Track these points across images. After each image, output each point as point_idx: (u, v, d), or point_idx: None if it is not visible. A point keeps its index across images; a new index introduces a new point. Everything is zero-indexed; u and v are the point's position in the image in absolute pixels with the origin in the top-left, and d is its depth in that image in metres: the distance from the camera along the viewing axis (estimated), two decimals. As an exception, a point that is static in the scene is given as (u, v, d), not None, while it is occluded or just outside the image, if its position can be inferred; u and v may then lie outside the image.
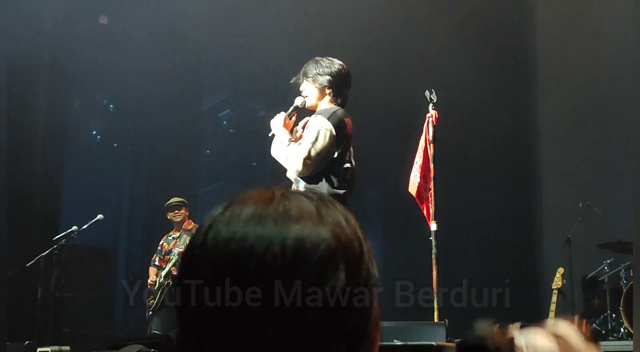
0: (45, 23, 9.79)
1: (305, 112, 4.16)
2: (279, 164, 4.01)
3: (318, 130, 3.80)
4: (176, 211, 7.85)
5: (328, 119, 3.86)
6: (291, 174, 3.90)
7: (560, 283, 7.54)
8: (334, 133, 3.85)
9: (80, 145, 12.25)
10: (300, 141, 3.86)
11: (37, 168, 9.47)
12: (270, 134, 4.06)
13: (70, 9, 9.90)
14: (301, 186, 3.85)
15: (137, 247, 10.91)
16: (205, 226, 0.87)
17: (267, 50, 9.97)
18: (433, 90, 4.53)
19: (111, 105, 12.82)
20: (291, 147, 3.81)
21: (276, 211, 0.84)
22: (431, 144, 4.55)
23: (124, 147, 12.81)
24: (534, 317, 8.39)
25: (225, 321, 0.78)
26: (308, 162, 3.74)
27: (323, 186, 3.82)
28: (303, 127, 4.04)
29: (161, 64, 10.63)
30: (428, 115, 4.55)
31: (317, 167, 3.79)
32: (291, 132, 4.00)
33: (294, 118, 4.11)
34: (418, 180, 4.57)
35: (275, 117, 4.05)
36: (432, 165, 4.57)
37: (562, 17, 8.56)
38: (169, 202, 7.91)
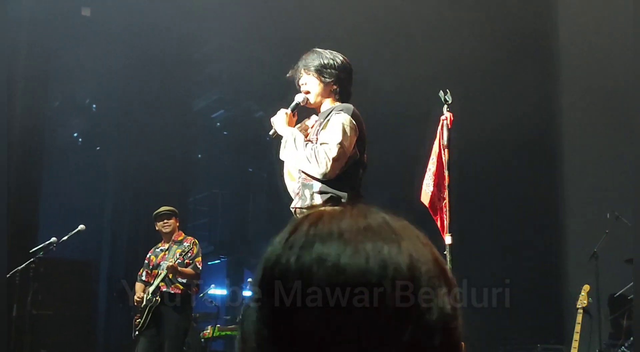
0: (22, 13, 9.76)
1: (303, 110, 4.11)
2: (277, 170, 3.99)
3: (343, 128, 3.75)
4: (165, 221, 7.82)
5: (351, 115, 3.82)
6: (298, 177, 3.84)
7: (585, 302, 7.51)
8: (358, 131, 3.83)
9: (60, 149, 12.27)
10: (321, 140, 3.79)
11: (12, 174, 9.44)
12: (271, 133, 4.01)
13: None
14: (315, 188, 3.80)
15: (122, 260, 10.91)
16: (293, 250, 0.87)
17: (264, 45, 9.99)
18: (448, 90, 4.50)
19: (94, 105, 12.83)
20: (312, 148, 3.74)
21: (380, 229, 0.86)
22: (446, 149, 4.50)
23: (108, 151, 12.83)
24: (558, 338, 8.39)
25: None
26: (336, 163, 3.70)
27: (344, 189, 3.78)
28: (312, 127, 4.00)
29: (148, 59, 10.65)
30: (442, 117, 4.50)
31: (339, 169, 3.75)
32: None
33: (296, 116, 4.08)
34: (431, 188, 4.53)
35: (276, 114, 3.99)
36: (446, 173, 4.50)
37: (586, 14, 8.58)
38: (158, 211, 7.88)
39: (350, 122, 3.80)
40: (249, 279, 9.93)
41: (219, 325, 9.00)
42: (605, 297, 8.04)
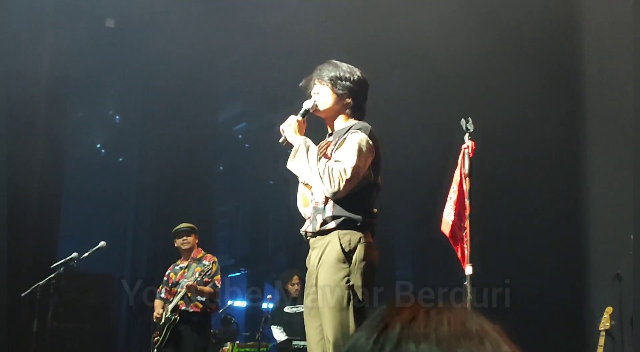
0: (47, 24, 9.80)
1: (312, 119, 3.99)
2: (297, 184, 3.90)
3: (359, 148, 3.63)
4: (185, 238, 7.79)
5: (368, 135, 3.70)
6: (319, 196, 3.74)
7: (608, 324, 7.42)
8: (374, 152, 3.73)
9: (83, 160, 12.29)
10: (336, 158, 3.66)
11: (34, 186, 9.46)
12: (280, 141, 3.87)
13: (74, 10, 9.90)
14: (328, 213, 3.69)
15: (143, 275, 10.90)
16: (385, 350, 0.85)
17: (289, 60, 9.97)
18: (470, 118, 4.45)
19: (117, 117, 12.87)
20: (327, 165, 3.61)
21: (477, 337, 0.86)
22: (467, 178, 4.44)
23: (130, 162, 12.85)
24: (579, 363, 8.29)
25: None
26: (349, 184, 3.58)
27: (358, 212, 3.68)
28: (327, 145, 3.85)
29: (172, 72, 10.65)
30: (464, 146, 4.44)
31: (350, 190, 3.63)
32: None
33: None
34: (452, 218, 4.47)
35: (286, 121, 3.85)
36: (467, 202, 4.45)
37: (610, 32, 8.47)
38: (177, 228, 7.85)
39: (367, 142, 3.68)
40: (268, 296, 9.87)
41: (237, 342, 8.96)
42: (629, 320, 7.94)
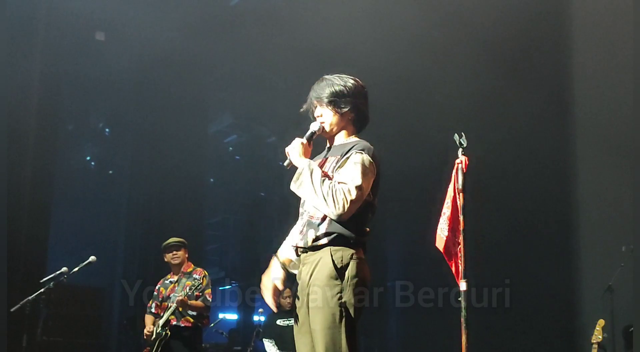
0: (37, 37, 9.75)
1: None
2: (290, 194, 3.84)
3: (363, 170, 3.57)
4: (174, 252, 7.73)
5: (371, 157, 3.64)
6: (314, 210, 3.67)
7: (600, 337, 7.40)
8: (375, 174, 3.67)
9: (73, 173, 12.22)
10: (340, 180, 3.59)
11: (25, 199, 9.39)
12: (285, 164, 3.79)
13: (64, 22, 9.86)
14: (322, 230, 3.61)
15: (133, 289, 10.82)
16: None
17: (278, 71, 9.96)
18: (463, 133, 4.41)
19: (107, 129, 12.82)
20: (330, 187, 3.54)
21: None
22: (461, 194, 4.39)
23: (121, 174, 12.80)
24: (571, 375, 8.26)
25: None
26: (353, 206, 3.52)
27: (351, 230, 3.59)
28: (325, 160, 3.79)
29: (162, 84, 10.62)
30: (457, 161, 4.40)
31: (354, 211, 3.55)
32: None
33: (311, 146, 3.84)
34: (446, 233, 4.41)
35: (292, 143, 3.78)
36: (461, 217, 4.41)
37: (601, 45, 8.49)
38: (166, 242, 7.78)
39: (370, 163, 3.62)
40: (260, 309, 9.81)
41: (229, 356, 8.92)
42: (620, 332, 7.91)
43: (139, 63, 10.61)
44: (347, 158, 3.67)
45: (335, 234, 3.61)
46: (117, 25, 10.21)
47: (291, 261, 3.93)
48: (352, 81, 3.85)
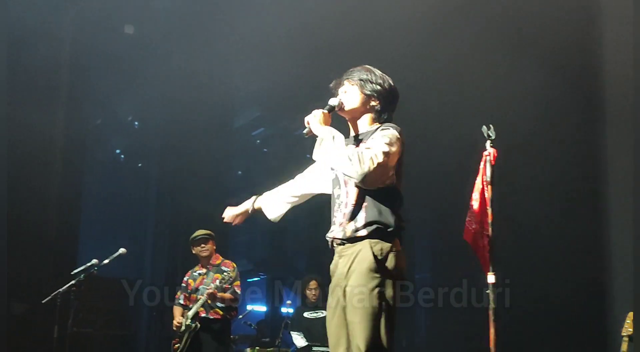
0: (66, 31, 9.82)
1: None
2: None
3: (390, 140, 3.50)
4: (202, 245, 7.75)
5: (398, 133, 3.58)
6: (351, 198, 3.62)
7: (631, 329, 7.30)
8: (401, 151, 3.59)
9: (102, 165, 12.32)
10: (366, 146, 3.50)
11: (54, 192, 9.48)
12: (305, 132, 3.70)
13: (93, 16, 9.92)
14: (360, 221, 3.56)
15: (163, 281, 10.89)
16: None
17: (306, 63, 9.93)
18: (491, 125, 4.38)
19: (136, 122, 12.89)
20: (355, 149, 3.46)
21: None
22: (489, 186, 4.38)
23: (150, 167, 12.87)
24: (602, 368, 8.20)
25: None
26: (379, 169, 3.39)
27: (389, 219, 3.55)
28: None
29: (190, 77, 10.65)
30: (485, 153, 4.37)
31: (380, 178, 3.47)
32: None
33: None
34: (474, 226, 4.40)
35: (311, 113, 3.68)
36: (489, 210, 4.40)
37: (631, 38, 8.40)
38: (194, 235, 7.81)
39: (397, 139, 3.55)
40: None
41: (257, 347, 8.94)
42: (652, 325, 7.82)
43: (165, 56, 10.64)
44: (373, 138, 3.59)
45: (375, 226, 3.57)
46: (146, 18, 10.24)
47: (261, 209, 4.40)
48: (390, 81, 3.80)
